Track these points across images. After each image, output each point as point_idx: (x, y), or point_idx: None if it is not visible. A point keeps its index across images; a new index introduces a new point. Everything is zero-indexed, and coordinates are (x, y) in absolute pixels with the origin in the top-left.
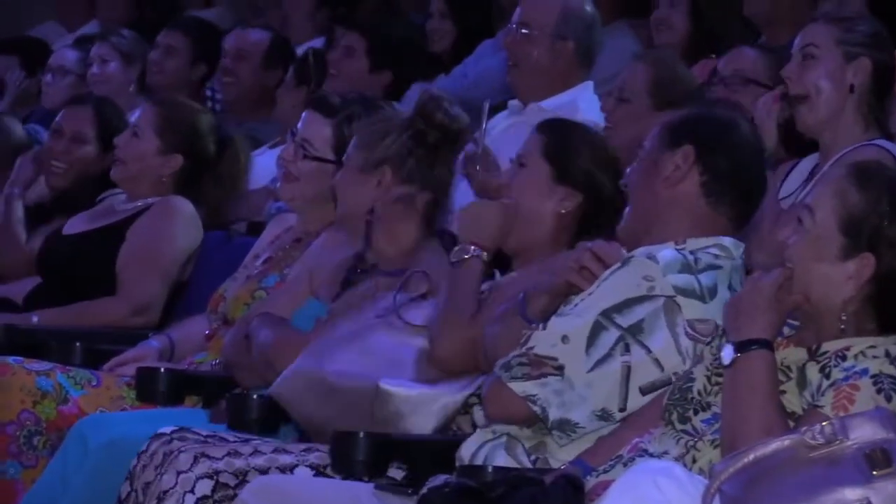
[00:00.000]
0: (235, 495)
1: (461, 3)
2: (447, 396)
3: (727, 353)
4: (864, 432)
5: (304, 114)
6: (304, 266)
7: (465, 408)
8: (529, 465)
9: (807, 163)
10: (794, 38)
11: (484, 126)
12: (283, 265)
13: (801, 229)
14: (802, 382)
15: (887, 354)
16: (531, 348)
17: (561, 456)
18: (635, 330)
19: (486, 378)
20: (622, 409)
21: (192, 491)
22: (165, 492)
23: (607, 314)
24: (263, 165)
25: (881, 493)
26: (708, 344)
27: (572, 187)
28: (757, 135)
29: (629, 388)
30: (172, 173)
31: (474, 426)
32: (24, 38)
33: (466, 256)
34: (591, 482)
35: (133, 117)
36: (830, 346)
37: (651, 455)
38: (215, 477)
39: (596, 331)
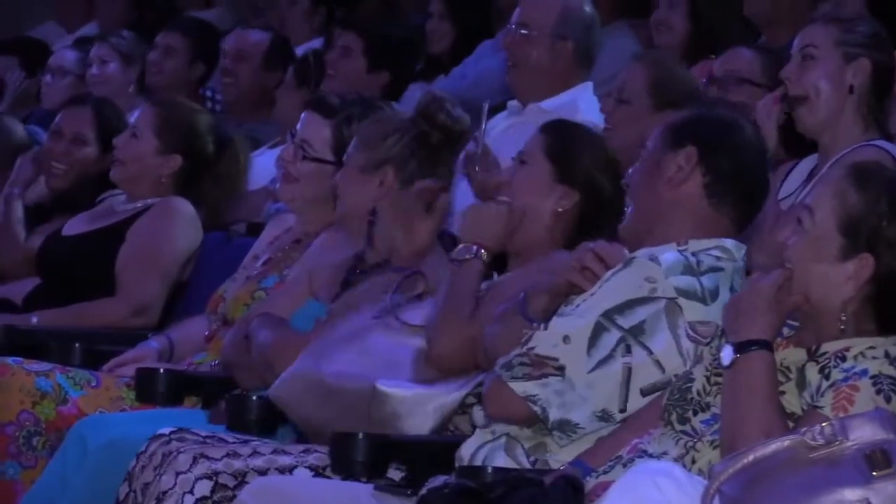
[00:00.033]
0: (234, 496)
1: (460, 4)
2: (443, 396)
3: (726, 354)
4: (864, 433)
5: (303, 115)
6: (304, 267)
7: (463, 408)
8: (529, 467)
9: (806, 163)
10: (794, 39)
11: (483, 126)
12: (282, 266)
13: (800, 230)
14: (802, 383)
15: (887, 355)
16: (532, 348)
17: (560, 457)
18: (637, 331)
19: (486, 377)
20: (622, 411)
21: (191, 492)
22: (164, 492)
23: (609, 315)
24: (263, 166)
25: (881, 493)
26: (707, 344)
27: (571, 186)
28: (760, 136)
29: (630, 390)
30: (172, 174)
31: (473, 427)
32: (24, 38)
33: (468, 256)
34: (590, 483)
35: (132, 118)
36: (830, 347)
37: (650, 456)
38: (214, 478)
39: (597, 332)
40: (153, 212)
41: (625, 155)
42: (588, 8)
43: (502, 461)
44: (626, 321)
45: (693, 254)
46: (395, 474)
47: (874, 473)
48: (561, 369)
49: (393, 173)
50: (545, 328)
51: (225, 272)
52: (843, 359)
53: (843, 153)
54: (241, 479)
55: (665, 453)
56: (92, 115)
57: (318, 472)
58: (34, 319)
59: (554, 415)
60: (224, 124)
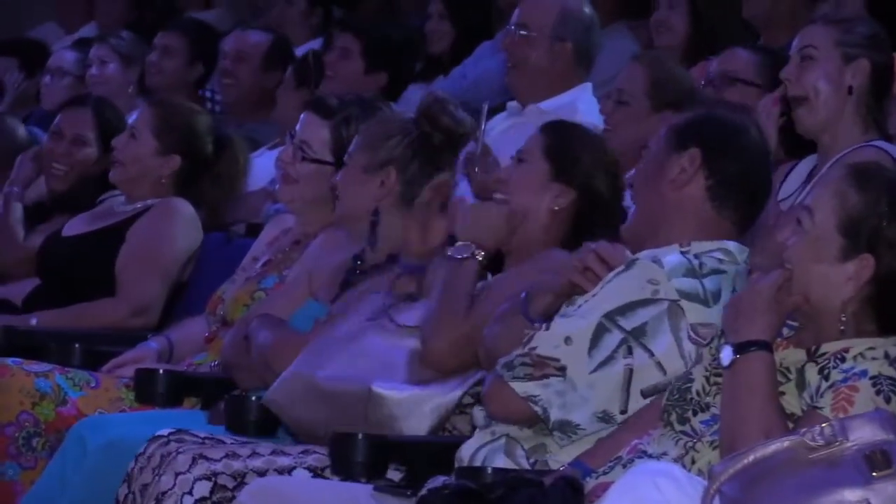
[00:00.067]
0: (234, 497)
1: (460, 5)
2: (440, 397)
3: (726, 355)
4: (864, 434)
5: (302, 116)
6: (303, 267)
7: (460, 408)
8: (528, 468)
9: (805, 164)
10: (793, 40)
11: (483, 127)
12: (282, 267)
13: (800, 230)
14: (801, 384)
15: (886, 356)
16: (534, 349)
17: (560, 457)
18: (638, 333)
19: (486, 376)
20: (623, 412)
21: (190, 492)
22: (164, 493)
23: (611, 317)
24: (262, 167)
25: (881, 494)
26: (707, 345)
27: (567, 185)
28: (764, 139)
29: (631, 391)
30: (171, 174)
31: (473, 427)
32: (24, 39)
33: (466, 256)
34: (590, 484)
35: (131, 119)
36: (830, 348)
37: (650, 456)
38: (213, 478)
39: (599, 333)
40: (153, 212)
41: (625, 156)
42: (587, 9)
43: (502, 462)
44: (628, 323)
45: (695, 256)
46: (394, 475)
47: (874, 474)
48: (562, 370)
49: (395, 174)
50: (547, 328)
51: (225, 273)
52: (843, 359)
53: (843, 154)
54: (240, 479)
55: (665, 454)
56: (92, 115)
57: (316, 472)
58: (33, 321)
59: (555, 415)
60: (223, 125)
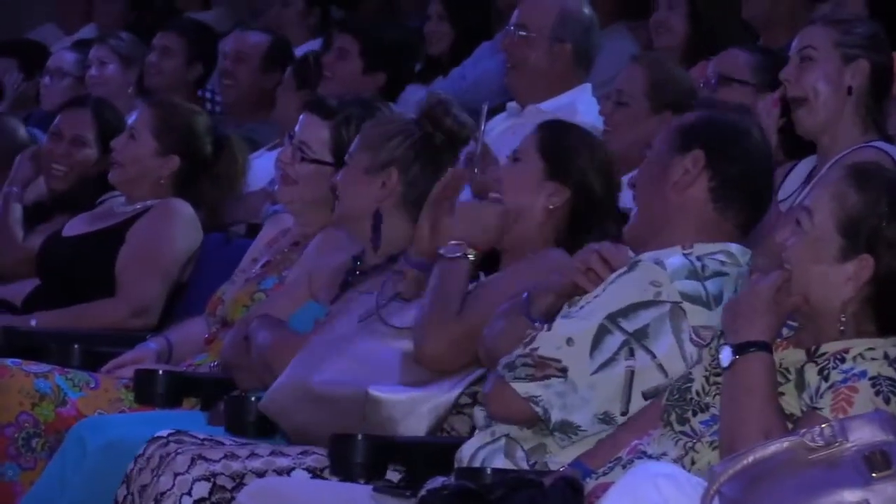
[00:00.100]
0: (233, 498)
1: (459, 6)
2: (437, 397)
3: (725, 356)
4: (864, 434)
5: (301, 116)
6: (303, 268)
7: (457, 408)
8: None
9: (805, 165)
10: (793, 41)
11: (482, 128)
12: (281, 268)
13: (799, 231)
14: (801, 384)
15: (886, 356)
16: (535, 349)
17: (560, 458)
18: (640, 335)
19: (480, 373)
20: (624, 414)
21: (189, 493)
22: (162, 493)
23: (613, 318)
24: (262, 168)
25: (880, 495)
26: (707, 346)
27: (562, 184)
28: (767, 141)
29: (632, 393)
30: (170, 175)
31: (473, 428)
32: (23, 40)
33: (458, 255)
34: (590, 484)
35: (130, 120)
36: (829, 348)
37: (650, 457)
38: (212, 479)
39: (601, 334)
40: (153, 213)
41: (624, 157)
42: (587, 10)
43: (501, 464)
44: (630, 324)
45: (698, 258)
46: (393, 476)
47: (873, 475)
48: (563, 371)
49: (397, 175)
50: (548, 329)
51: (224, 273)
52: (843, 360)
53: (843, 154)
54: (239, 480)
55: (664, 454)
56: (91, 116)
57: (315, 473)
58: (33, 321)
59: (555, 416)
60: (223, 125)
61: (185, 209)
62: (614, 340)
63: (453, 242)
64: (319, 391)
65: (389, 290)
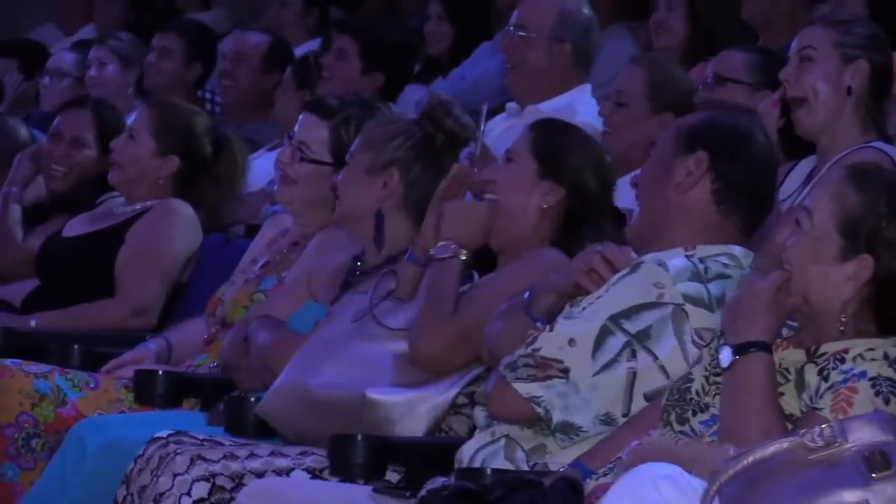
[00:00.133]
0: (232, 498)
1: (459, 6)
2: (434, 398)
3: (725, 356)
4: (864, 435)
5: (300, 116)
6: (302, 268)
7: (454, 408)
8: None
9: (805, 165)
10: (792, 41)
11: (482, 128)
12: (280, 268)
13: (799, 231)
14: (801, 385)
15: (886, 357)
16: (537, 350)
17: (560, 459)
18: (643, 336)
19: (480, 374)
20: (626, 415)
21: (188, 493)
22: (162, 494)
23: (615, 319)
24: (261, 168)
25: (880, 495)
26: (707, 346)
27: (556, 183)
28: (771, 143)
29: (634, 394)
30: (169, 175)
31: (471, 428)
32: (23, 40)
33: (448, 255)
34: (590, 485)
35: (129, 120)
36: (829, 348)
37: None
38: (212, 480)
39: (603, 335)
40: (152, 213)
41: (624, 157)
42: (586, 10)
43: (501, 465)
44: (633, 326)
45: (700, 260)
46: (392, 476)
47: (873, 475)
48: (565, 372)
49: (398, 175)
50: (550, 329)
51: (224, 274)
52: (843, 360)
53: (842, 155)
54: (238, 481)
55: None
56: (91, 117)
57: (315, 474)
58: (33, 322)
59: (557, 417)
60: (222, 126)
61: (184, 210)
62: (616, 342)
63: (442, 243)
64: (317, 395)
65: (382, 289)
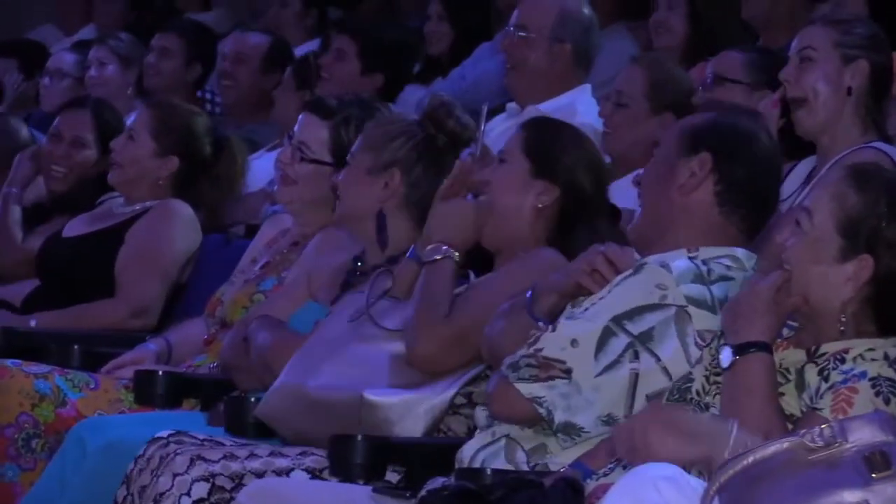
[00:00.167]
0: (232, 498)
1: (459, 6)
2: (432, 398)
3: (725, 356)
4: (864, 435)
5: (300, 116)
6: (302, 268)
7: (453, 408)
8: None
9: (805, 165)
10: (792, 41)
11: (482, 128)
12: (280, 269)
13: (798, 231)
14: (801, 385)
15: (886, 357)
16: (540, 350)
17: (560, 459)
18: (645, 338)
19: (492, 374)
20: (628, 416)
21: (188, 494)
22: (162, 494)
23: (618, 320)
24: (261, 168)
25: (880, 495)
26: (707, 346)
27: (550, 181)
28: (775, 145)
29: (636, 396)
30: (169, 176)
31: (470, 428)
32: (23, 40)
33: (438, 257)
34: (590, 485)
35: (129, 121)
36: (829, 348)
37: None
38: (212, 480)
39: (606, 336)
40: (152, 214)
41: (624, 158)
42: (586, 10)
43: (501, 465)
44: (636, 327)
45: (704, 262)
46: (392, 476)
47: (873, 475)
48: (568, 372)
49: (399, 176)
50: (553, 329)
51: (224, 274)
52: (843, 360)
53: (842, 155)
54: (238, 481)
55: None
56: (91, 117)
57: (314, 474)
58: (33, 322)
59: (559, 417)
60: (222, 126)
61: (184, 210)
62: (619, 343)
63: (433, 245)
64: (315, 396)
65: (378, 288)
